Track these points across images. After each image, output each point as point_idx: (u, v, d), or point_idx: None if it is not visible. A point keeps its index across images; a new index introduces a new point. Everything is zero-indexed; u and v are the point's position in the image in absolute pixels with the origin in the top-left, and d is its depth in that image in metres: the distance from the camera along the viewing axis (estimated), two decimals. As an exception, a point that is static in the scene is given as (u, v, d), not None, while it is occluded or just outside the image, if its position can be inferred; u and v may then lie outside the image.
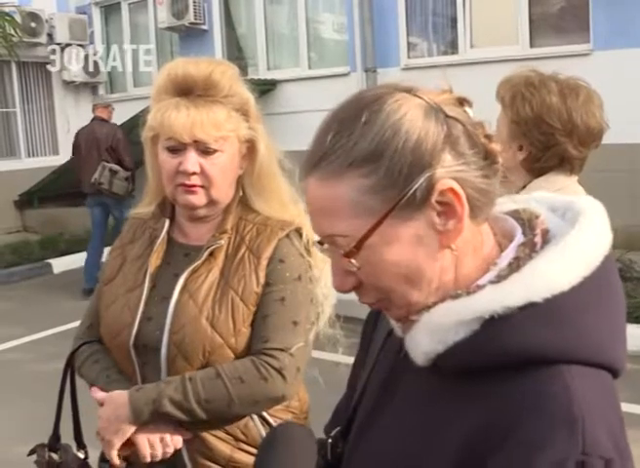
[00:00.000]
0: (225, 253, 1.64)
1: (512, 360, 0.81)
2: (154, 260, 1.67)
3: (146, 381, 1.60)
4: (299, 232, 1.68)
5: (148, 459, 1.56)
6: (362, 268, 0.86)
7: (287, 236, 1.65)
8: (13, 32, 8.88)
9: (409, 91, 0.87)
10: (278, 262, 1.63)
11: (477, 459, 0.80)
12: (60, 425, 1.78)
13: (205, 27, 10.49)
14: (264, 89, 9.94)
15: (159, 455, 1.56)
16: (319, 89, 9.48)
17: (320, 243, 0.92)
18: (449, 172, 0.83)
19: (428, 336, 0.87)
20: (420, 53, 9.15)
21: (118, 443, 1.55)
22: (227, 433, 1.61)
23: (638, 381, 3.56)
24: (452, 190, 0.83)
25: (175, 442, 1.57)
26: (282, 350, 1.56)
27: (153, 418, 1.54)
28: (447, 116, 0.85)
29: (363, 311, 1.24)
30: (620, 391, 0.85)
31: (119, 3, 11.74)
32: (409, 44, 9.03)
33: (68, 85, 11.87)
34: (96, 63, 11.59)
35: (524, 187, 1.95)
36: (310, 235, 1.67)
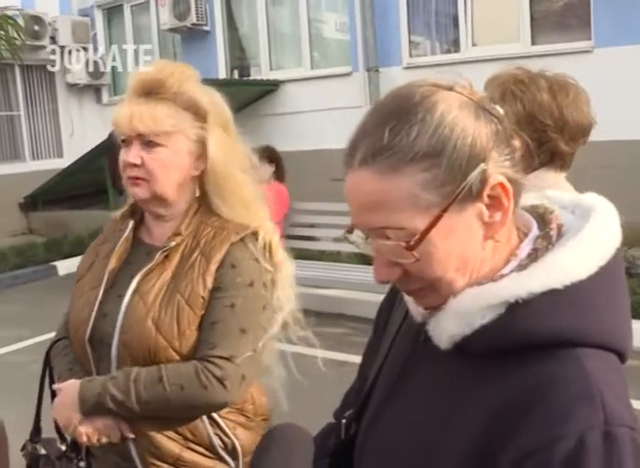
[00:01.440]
0: (181, 255, 1.67)
1: (534, 341, 0.87)
2: (114, 260, 1.73)
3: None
4: (255, 236, 1.68)
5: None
6: (415, 259, 0.89)
7: (241, 240, 1.66)
8: (16, 35, 8.91)
9: (450, 89, 0.91)
10: (230, 267, 1.64)
11: (500, 434, 0.84)
12: (40, 418, 1.83)
13: (207, 28, 10.51)
14: (267, 89, 9.98)
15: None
16: (322, 89, 9.50)
17: (349, 231, 0.95)
18: (497, 167, 0.89)
19: (456, 320, 0.92)
20: (421, 51, 9.15)
21: (70, 427, 1.64)
22: (177, 432, 1.65)
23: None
24: (501, 185, 0.89)
25: (113, 439, 1.64)
26: (226, 359, 1.58)
27: (97, 411, 1.61)
28: (490, 113, 0.91)
29: (370, 311, 1.25)
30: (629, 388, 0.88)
31: (121, 5, 11.77)
32: (411, 43, 9.03)
33: (72, 87, 11.91)
34: (99, 65, 11.62)
35: None
36: (268, 237, 1.69)
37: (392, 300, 1.17)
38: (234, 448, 1.68)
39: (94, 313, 1.68)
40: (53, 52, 11.13)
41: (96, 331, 1.67)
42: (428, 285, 0.92)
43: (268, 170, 6.42)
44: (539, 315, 0.87)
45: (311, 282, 6.34)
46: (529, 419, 0.82)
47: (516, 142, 0.93)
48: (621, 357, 0.90)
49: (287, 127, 9.75)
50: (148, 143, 1.65)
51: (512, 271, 0.92)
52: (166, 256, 1.67)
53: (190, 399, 1.58)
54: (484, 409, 0.87)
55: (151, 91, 1.65)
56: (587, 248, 0.91)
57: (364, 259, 6.79)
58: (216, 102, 1.72)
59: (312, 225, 7.02)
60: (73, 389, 1.63)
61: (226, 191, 1.70)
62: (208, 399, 1.58)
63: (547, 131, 1.91)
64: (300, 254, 6.99)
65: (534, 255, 0.93)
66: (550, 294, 0.88)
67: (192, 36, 10.63)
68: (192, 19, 10.19)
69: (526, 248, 0.95)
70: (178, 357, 1.60)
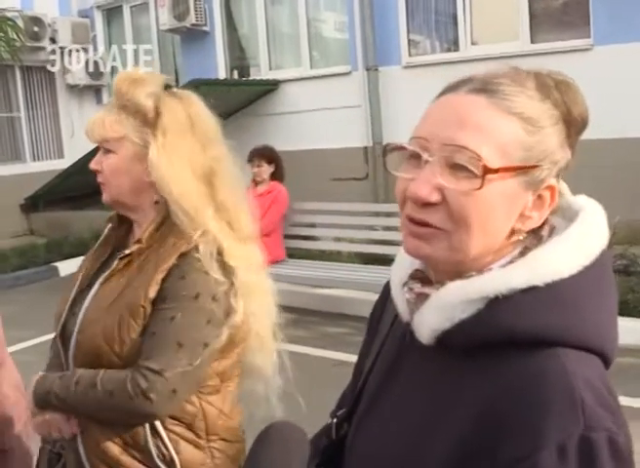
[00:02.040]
0: (140, 263, 1.68)
1: (514, 338, 0.87)
2: (87, 262, 1.81)
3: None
4: (199, 246, 1.63)
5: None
6: (467, 194, 0.89)
7: (192, 250, 1.63)
8: (15, 37, 8.91)
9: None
10: (178, 279, 1.62)
11: (485, 433, 0.84)
12: None
13: (206, 29, 10.50)
14: (267, 89, 9.98)
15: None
16: (321, 88, 9.50)
17: (392, 149, 0.97)
18: (555, 172, 0.94)
19: (437, 314, 0.92)
20: (421, 50, 9.15)
21: (31, 417, 1.73)
22: (119, 435, 1.66)
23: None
24: (552, 190, 0.94)
25: (64, 434, 1.70)
26: (156, 372, 1.57)
27: (47, 406, 1.68)
28: None
29: (369, 310, 1.26)
30: (623, 384, 0.87)
31: (121, 6, 11.77)
32: (410, 42, 9.03)
33: (72, 88, 11.91)
34: (99, 66, 11.62)
35: None
36: (215, 245, 1.64)
37: (384, 301, 1.17)
38: (172, 460, 1.66)
39: (65, 311, 1.75)
40: (53, 52, 11.12)
41: (64, 329, 1.74)
42: (449, 227, 0.91)
43: (267, 170, 6.43)
44: (518, 311, 0.87)
45: (312, 281, 6.36)
46: (512, 423, 0.82)
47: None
48: (605, 360, 0.89)
49: (286, 126, 9.76)
50: (105, 150, 1.72)
51: (503, 267, 0.93)
52: (127, 263, 1.69)
53: (118, 406, 1.60)
54: (471, 406, 0.87)
55: (116, 98, 1.72)
56: (571, 246, 0.91)
57: (364, 259, 6.80)
58: (177, 107, 1.70)
59: (312, 225, 7.03)
60: (33, 382, 1.71)
61: (176, 198, 1.66)
62: (134, 409, 1.59)
63: None
64: (300, 254, 7.01)
65: (524, 254, 0.93)
66: (531, 292, 0.88)
67: (192, 37, 10.63)
68: (192, 19, 10.18)
69: (519, 246, 0.95)
70: (120, 361, 1.62)
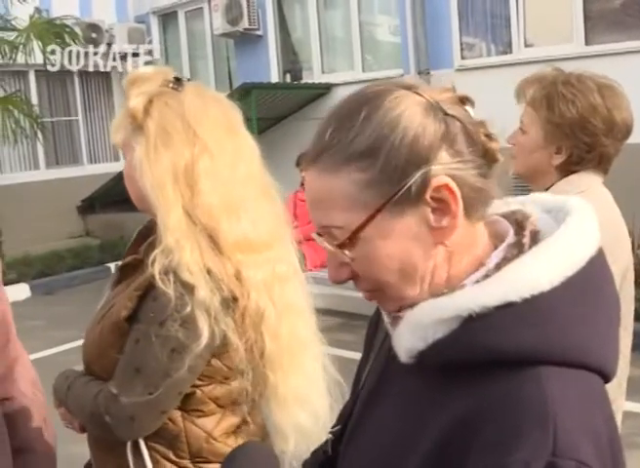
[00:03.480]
0: (134, 276, 1.58)
1: (491, 358, 0.81)
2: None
3: None
4: (182, 263, 1.46)
5: None
6: (357, 260, 0.88)
7: (167, 269, 1.47)
8: (72, 43, 9.13)
9: (409, 88, 0.88)
10: (151, 300, 1.49)
11: (452, 455, 0.80)
12: None
13: (260, 33, 10.58)
14: (319, 92, 9.99)
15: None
16: (373, 92, 9.46)
17: (318, 234, 0.93)
18: (445, 169, 0.84)
19: (410, 333, 0.88)
20: (473, 53, 9.04)
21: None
22: (102, 445, 1.65)
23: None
24: (447, 187, 0.83)
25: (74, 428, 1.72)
26: (113, 395, 1.51)
27: (59, 400, 1.69)
28: (445, 114, 0.86)
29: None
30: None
31: (176, 12, 11.94)
32: (462, 45, 8.93)
33: (128, 92, 12.13)
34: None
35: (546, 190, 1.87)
36: (176, 258, 1.47)
37: (379, 316, 1.12)
38: None
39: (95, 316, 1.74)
40: (108, 56, 11.28)
41: None
42: (377, 288, 0.90)
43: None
44: (493, 330, 0.81)
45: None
46: (481, 442, 0.77)
47: (493, 145, 0.88)
48: (602, 375, 0.83)
49: (338, 130, 9.75)
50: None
51: (477, 282, 0.86)
52: (130, 273, 1.60)
53: (89, 421, 1.60)
54: (445, 423, 0.82)
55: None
56: (552, 256, 0.84)
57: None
58: (170, 105, 1.54)
59: (361, 229, 6.99)
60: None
61: (153, 208, 1.53)
62: (97, 426, 1.58)
63: (599, 134, 1.83)
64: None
65: (502, 265, 0.86)
66: (507, 308, 0.81)
67: (245, 41, 10.72)
68: (245, 23, 10.27)
69: (496, 257, 0.89)
70: (101, 372, 1.60)
